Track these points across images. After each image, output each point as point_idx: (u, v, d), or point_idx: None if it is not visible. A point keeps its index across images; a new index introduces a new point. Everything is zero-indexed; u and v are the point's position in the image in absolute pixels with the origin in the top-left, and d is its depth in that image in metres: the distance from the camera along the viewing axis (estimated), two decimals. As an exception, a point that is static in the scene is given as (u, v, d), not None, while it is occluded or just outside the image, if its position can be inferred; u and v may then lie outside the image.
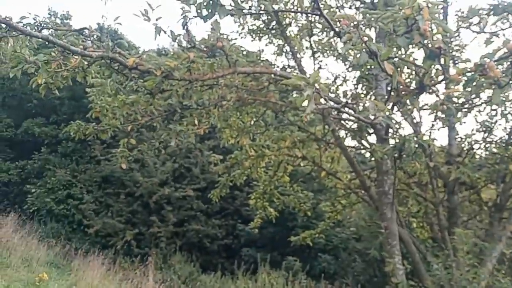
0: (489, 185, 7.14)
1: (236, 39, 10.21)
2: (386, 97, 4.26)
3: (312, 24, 8.07)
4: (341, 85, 8.87)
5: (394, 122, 5.81)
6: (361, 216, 12.50)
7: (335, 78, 8.91)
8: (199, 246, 14.03)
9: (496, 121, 6.87)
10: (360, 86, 8.37)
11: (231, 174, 9.16)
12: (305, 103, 2.66)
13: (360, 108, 3.47)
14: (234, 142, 8.75)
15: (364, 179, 6.55)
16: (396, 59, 4.13)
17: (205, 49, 5.19)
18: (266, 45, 9.52)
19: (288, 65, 8.47)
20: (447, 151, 7.08)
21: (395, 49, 4.59)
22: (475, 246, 6.19)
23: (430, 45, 3.15)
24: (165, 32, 4.66)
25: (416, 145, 4.54)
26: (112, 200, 14.73)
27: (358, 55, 2.76)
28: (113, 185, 15.02)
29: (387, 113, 2.84)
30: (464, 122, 17.47)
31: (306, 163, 8.72)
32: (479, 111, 6.96)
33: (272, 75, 6.47)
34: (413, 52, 6.04)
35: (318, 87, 2.50)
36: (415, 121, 7.38)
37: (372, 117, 2.77)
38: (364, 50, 2.77)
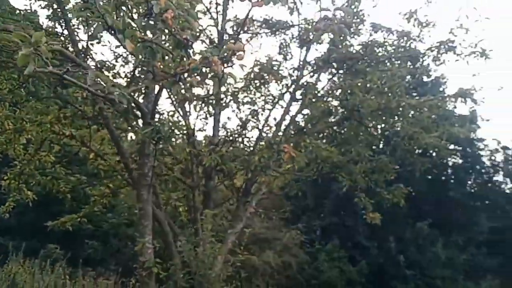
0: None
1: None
2: (129, 78, 4.37)
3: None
4: (122, 65, 8.63)
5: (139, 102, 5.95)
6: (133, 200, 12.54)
7: (116, 58, 8.63)
8: None
9: (249, 119, 7.97)
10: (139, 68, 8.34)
11: (-20, 151, 7.77)
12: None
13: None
14: (-14, 114, 7.45)
15: (127, 161, 6.56)
16: (154, 45, 4.29)
17: None
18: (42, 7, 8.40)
19: (62, 33, 7.73)
20: (209, 140, 7.81)
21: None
22: (220, 225, 7.03)
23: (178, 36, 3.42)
24: None
25: (171, 129, 4.83)
26: None
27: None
28: None
29: (125, 90, 2.90)
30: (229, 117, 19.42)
31: (74, 142, 8.16)
32: (238, 108, 7.96)
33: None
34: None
35: (39, 48, 2.35)
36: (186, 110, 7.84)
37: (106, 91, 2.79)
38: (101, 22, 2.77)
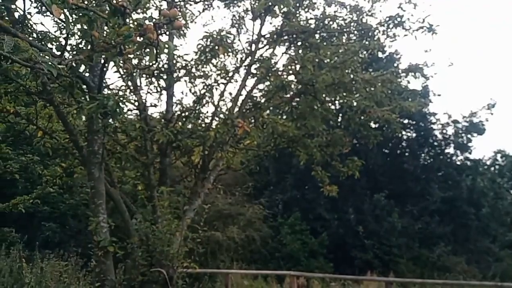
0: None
1: None
2: (62, 49, 4.15)
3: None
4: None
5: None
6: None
7: (60, 29, 8.17)
8: None
9: (204, 94, 7.83)
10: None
11: None
12: None
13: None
14: None
15: (76, 138, 6.33)
16: (90, 12, 4.06)
17: None
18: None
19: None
20: (163, 116, 7.64)
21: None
22: (177, 202, 6.98)
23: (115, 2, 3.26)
24: None
25: (117, 104, 4.65)
26: None
27: None
28: None
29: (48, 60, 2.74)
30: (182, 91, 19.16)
31: (19, 120, 7.77)
32: (192, 82, 7.78)
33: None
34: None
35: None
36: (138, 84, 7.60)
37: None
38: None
